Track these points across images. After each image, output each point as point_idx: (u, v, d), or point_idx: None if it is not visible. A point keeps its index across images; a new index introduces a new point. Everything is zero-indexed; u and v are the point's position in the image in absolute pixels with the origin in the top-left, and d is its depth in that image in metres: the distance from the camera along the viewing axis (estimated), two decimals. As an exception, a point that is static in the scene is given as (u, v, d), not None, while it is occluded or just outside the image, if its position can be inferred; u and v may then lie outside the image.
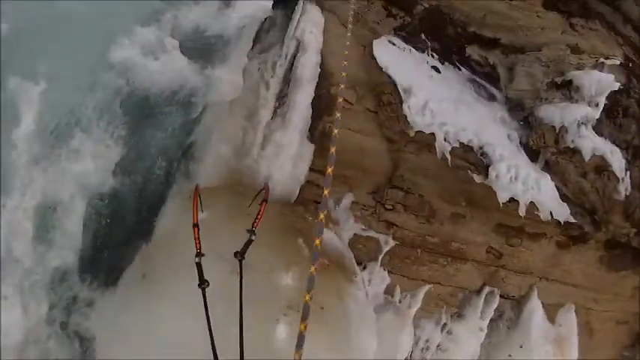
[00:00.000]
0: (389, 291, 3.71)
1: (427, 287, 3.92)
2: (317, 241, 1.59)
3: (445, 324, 4.13)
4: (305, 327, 1.38)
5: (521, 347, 4.18)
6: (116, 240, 2.63)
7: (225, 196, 2.92)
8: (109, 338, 2.44)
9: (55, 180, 2.43)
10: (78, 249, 2.46)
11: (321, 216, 1.63)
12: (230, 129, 3.16)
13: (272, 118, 3.32)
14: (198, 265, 2.06)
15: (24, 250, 2.32)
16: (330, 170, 1.76)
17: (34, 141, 2.33)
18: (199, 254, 2.12)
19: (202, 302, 1.87)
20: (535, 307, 4.25)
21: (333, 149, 1.84)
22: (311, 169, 3.40)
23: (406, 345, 3.77)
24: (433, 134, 3.72)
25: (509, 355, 4.20)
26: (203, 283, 1.96)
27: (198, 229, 2.28)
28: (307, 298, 1.44)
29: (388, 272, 3.65)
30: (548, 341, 4.26)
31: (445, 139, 3.80)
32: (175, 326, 2.34)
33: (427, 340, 4.02)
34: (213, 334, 1.72)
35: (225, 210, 2.82)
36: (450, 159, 3.73)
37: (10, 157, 2.27)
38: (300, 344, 1.36)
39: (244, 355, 1.71)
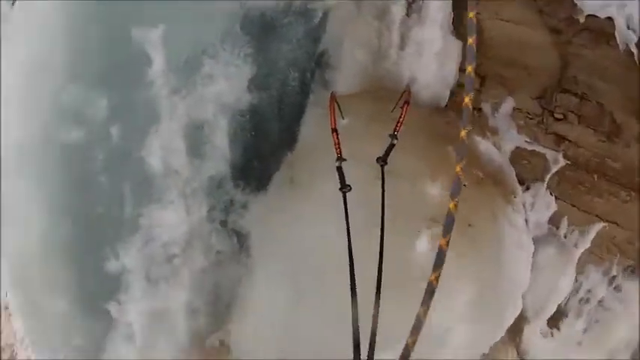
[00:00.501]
0: (554, 221, 3.02)
1: (601, 225, 3.00)
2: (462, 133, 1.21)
3: (614, 277, 3.23)
4: (447, 243, 1.16)
5: None
6: (262, 150, 2.77)
7: (366, 103, 2.78)
8: (261, 235, 2.68)
9: (195, 104, 2.59)
10: (229, 160, 2.66)
11: (463, 132, 1.26)
12: (361, 32, 2.87)
13: (406, 14, 2.86)
14: (339, 170, 2.01)
15: (181, 164, 2.59)
16: (470, 69, 1.28)
17: (168, 76, 2.49)
18: (340, 159, 2.08)
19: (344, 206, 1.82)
20: None
21: (471, 40, 1.27)
22: (461, 70, 2.90)
23: (564, 289, 3.13)
24: (611, 19, 2.61)
25: None
26: (344, 187, 1.91)
27: (338, 134, 2.23)
28: (452, 206, 1.17)
29: (555, 198, 2.94)
30: None
31: (628, 26, 2.63)
32: (319, 228, 2.41)
33: (589, 291, 3.24)
34: (352, 240, 1.65)
35: (366, 116, 2.69)
36: (637, 54, 2.60)
37: (153, 91, 2.49)
38: (438, 263, 1.18)
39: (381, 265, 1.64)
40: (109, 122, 2.46)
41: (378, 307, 1.52)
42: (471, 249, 2.42)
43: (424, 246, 2.32)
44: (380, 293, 1.54)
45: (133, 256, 2.58)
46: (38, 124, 2.50)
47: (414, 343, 1.19)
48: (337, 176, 1.97)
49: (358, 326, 1.42)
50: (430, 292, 1.20)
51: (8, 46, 2.48)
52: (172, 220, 2.59)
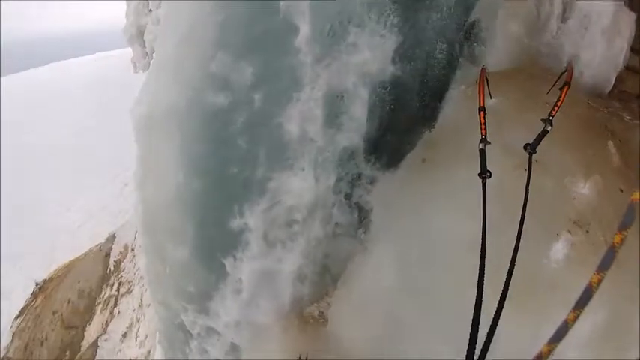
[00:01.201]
0: None
1: None
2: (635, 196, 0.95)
3: None
4: (599, 281, 0.92)
5: None
6: (400, 125, 2.69)
7: (518, 81, 2.55)
8: (384, 213, 2.65)
9: (338, 72, 2.56)
10: (364, 132, 2.62)
11: (637, 195, 1.00)
12: (519, 1, 2.53)
13: (572, -21, 2.49)
14: (482, 152, 1.86)
15: (316, 132, 2.62)
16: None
17: (313, 44, 2.46)
18: (484, 141, 1.92)
19: (480, 195, 1.69)
20: None
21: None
22: (632, 50, 2.54)
23: None
24: None
25: None
26: (485, 172, 1.77)
27: (485, 114, 2.05)
28: (617, 239, 0.90)
29: None
30: None
31: None
32: (448, 214, 2.30)
33: None
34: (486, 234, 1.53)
35: (517, 97, 2.46)
36: None
37: (298, 59, 2.49)
38: (582, 302, 0.98)
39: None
40: (252, 88, 2.53)
41: (501, 310, 1.42)
42: (616, 268, 2.20)
43: (560, 252, 2.12)
44: (505, 296, 1.45)
45: (256, 217, 2.69)
46: (187, 90, 2.64)
47: (549, 352, 1.04)
48: (477, 161, 1.83)
49: (478, 328, 1.34)
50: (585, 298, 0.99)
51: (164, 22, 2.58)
52: (300, 187, 2.66)
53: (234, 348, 3.20)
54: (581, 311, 0.98)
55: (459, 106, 2.58)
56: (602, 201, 2.19)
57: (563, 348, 2.29)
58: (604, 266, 0.93)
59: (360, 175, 2.73)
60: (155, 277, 3.41)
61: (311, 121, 2.59)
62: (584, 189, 2.23)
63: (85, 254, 8.86)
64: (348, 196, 2.74)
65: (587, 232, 2.13)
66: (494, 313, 1.38)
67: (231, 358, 3.24)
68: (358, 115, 2.59)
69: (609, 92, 2.63)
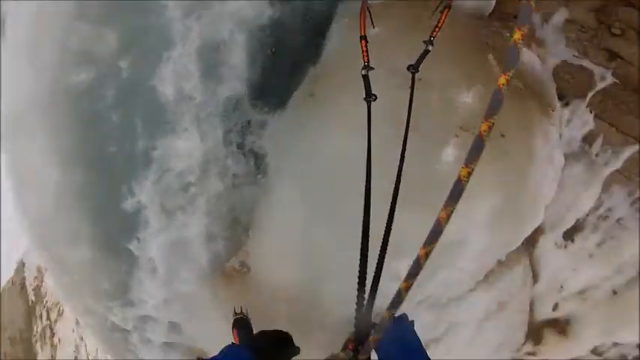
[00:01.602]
0: (588, 139, 2.92)
1: (636, 148, 2.93)
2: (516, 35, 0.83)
3: (638, 198, 3.21)
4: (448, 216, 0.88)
5: None
6: (283, 66, 2.60)
7: (401, 9, 2.55)
8: (279, 154, 2.61)
9: (211, 23, 2.41)
10: (246, 80, 2.52)
11: (517, 34, 0.94)
12: None
13: None
14: (365, 78, 1.85)
15: (194, 88, 2.47)
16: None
17: None
18: (367, 67, 1.90)
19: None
20: None
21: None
22: None
23: (586, 205, 3.14)
24: None
25: None
26: (369, 96, 1.76)
27: (367, 42, 2.02)
28: (485, 127, 0.85)
29: (594, 116, 2.79)
30: None
31: None
32: (341, 142, 2.33)
33: (610, 209, 3.26)
34: (372, 154, 1.55)
35: (400, 24, 2.48)
36: None
37: (165, 16, 2.32)
38: (432, 237, 0.92)
39: (402, 174, 1.58)
40: (118, 56, 2.36)
41: (392, 218, 1.48)
42: (500, 159, 2.37)
43: (451, 155, 2.25)
44: (395, 204, 1.51)
45: (148, 191, 2.57)
46: (47, 72, 2.43)
47: (426, 255, 0.98)
48: (363, 87, 1.80)
49: (368, 240, 1.38)
50: (416, 267, 0.96)
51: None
52: (187, 148, 2.55)
53: (173, 326, 3.13)
54: (453, 208, 0.90)
55: (342, 39, 2.52)
56: (485, 106, 2.32)
57: (467, 236, 2.50)
58: (472, 158, 0.84)
59: (249, 122, 2.63)
60: (67, 290, 3.23)
61: (186, 78, 2.44)
62: (467, 98, 2.34)
63: (-2, 296, 7.64)
64: (240, 146, 2.66)
65: (473, 133, 2.27)
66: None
67: (177, 341, 3.22)
68: (238, 63, 2.47)
69: (490, 14, 2.68)
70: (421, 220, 2.45)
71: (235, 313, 2.67)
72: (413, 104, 1.78)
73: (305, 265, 2.58)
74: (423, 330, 2.85)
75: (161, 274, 2.79)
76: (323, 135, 2.38)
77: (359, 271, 1.23)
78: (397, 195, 1.50)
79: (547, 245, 3.10)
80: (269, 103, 2.59)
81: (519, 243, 2.77)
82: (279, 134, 2.57)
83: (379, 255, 1.32)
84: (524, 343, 3.21)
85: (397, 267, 2.50)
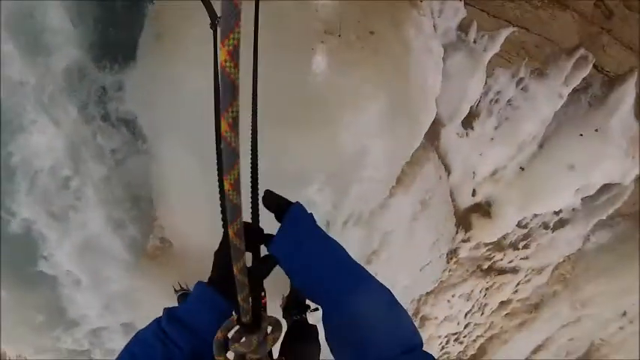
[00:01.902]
0: (463, 28, 3.04)
1: (510, 30, 3.14)
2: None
3: (522, 79, 3.50)
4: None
5: (596, 131, 3.66)
6: (116, 12, 2.27)
7: None
8: (149, 112, 2.35)
9: None
10: (79, 40, 2.16)
11: None
12: None
13: None
14: (205, 1, 1.66)
15: (20, 70, 2.09)
16: None
17: None
18: None
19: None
20: (627, 93, 3.49)
21: None
22: None
23: (475, 92, 3.31)
24: None
25: (581, 135, 3.70)
26: (214, 20, 1.54)
27: None
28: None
29: (465, 4, 2.89)
30: (625, 136, 3.68)
31: None
32: (201, 79, 2.17)
33: (498, 92, 3.50)
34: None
35: None
36: None
37: None
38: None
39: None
40: None
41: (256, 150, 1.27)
42: (375, 58, 2.32)
43: (321, 63, 2.15)
44: (256, 124, 1.35)
45: (26, 204, 2.25)
46: None
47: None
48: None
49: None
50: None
51: None
52: (45, 141, 2.20)
53: (126, 326, 2.89)
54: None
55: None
56: (345, 4, 2.26)
57: (364, 146, 2.34)
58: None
59: (103, 88, 2.30)
60: (5, 340, 2.82)
61: (6, 61, 2.04)
62: (324, -1, 2.24)
63: None
64: (105, 117, 2.34)
65: (339, 36, 2.20)
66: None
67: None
68: (61, 23, 2.10)
69: None
70: (311, 138, 2.39)
71: (176, 290, 2.52)
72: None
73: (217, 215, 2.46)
74: (358, 247, 2.84)
75: (86, 281, 2.55)
76: (182, 77, 2.14)
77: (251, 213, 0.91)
78: (256, 128, 1.23)
79: (450, 137, 3.23)
80: (116, 59, 2.27)
81: (420, 140, 2.81)
82: (139, 91, 2.29)
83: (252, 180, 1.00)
84: (457, 233, 3.37)
85: (307, 194, 2.46)
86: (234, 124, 0.48)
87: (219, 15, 1.46)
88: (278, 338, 0.81)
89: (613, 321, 5.76)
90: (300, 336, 1.98)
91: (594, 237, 5.10)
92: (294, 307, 2.20)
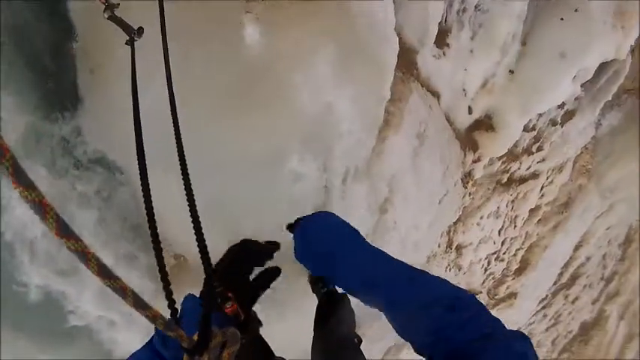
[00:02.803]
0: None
1: None
2: None
3: None
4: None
5: (576, 11, 3.46)
6: (47, 65, 2.15)
7: None
8: (111, 144, 2.28)
9: None
10: (23, 107, 2.07)
11: None
12: None
13: None
14: (113, 19, 1.58)
15: None
16: None
17: None
18: (107, 8, 1.61)
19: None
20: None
21: None
22: None
23: (437, 7, 3.02)
24: None
25: (562, 19, 3.48)
26: (130, 34, 1.52)
27: None
28: None
29: None
30: (607, 10, 3.47)
31: None
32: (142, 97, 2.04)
33: (463, 1, 3.22)
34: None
35: None
36: None
37: None
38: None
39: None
40: None
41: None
42: (309, 9, 2.11)
43: (253, 34, 1.97)
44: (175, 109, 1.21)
45: (33, 272, 2.28)
46: None
47: None
48: (114, 29, 1.56)
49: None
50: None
51: None
52: (28, 210, 2.06)
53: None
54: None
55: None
56: None
57: (328, 101, 2.18)
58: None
59: (64, 139, 2.22)
60: None
61: None
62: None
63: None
64: (77, 165, 2.29)
65: (266, 2, 2.00)
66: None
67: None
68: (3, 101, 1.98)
69: None
70: (270, 112, 2.21)
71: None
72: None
73: (222, 223, 2.35)
74: (367, 201, 2.71)
75: (120, 320, 2.58)
76: (127, 100, 2.03)
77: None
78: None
79: (427, 61, 3.01)
80: (64, 107, 2.18)
81: (390, 76, 2.59)
82: (97, 127, 2.22)
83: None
84: (465, 156, 3.19)
85: (291, 169, 2.32)
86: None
87: (135, 28, 1.28)
88: (234, 352, 0.73)
89: (645, 200, 5.58)
90: (332, 308, 1.89)
91: (605, 120, 4.87)
92: (320, 279, 2.13)
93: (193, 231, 0.86)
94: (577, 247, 4.60)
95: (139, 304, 0.50)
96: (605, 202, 5.04)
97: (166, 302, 0.72)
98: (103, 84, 2.11)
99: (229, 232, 2.44)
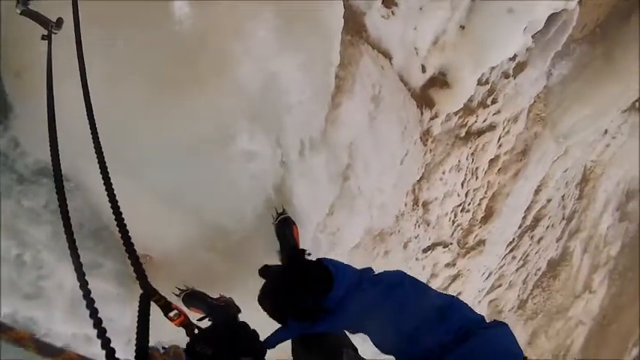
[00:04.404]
0: None
1: None
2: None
3: None
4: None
5: None
6: None
7: None
8: (44, 143, 2.08)
9: None
10: None
11: None
12: None
13: None
14: (27, 13, 1.44)
15: None
16: None
17: None
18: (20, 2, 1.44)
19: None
20: None
21: None
22: None
23: None
24: None
25: None
26: (48, 27, 1.39)
27: None
28: None
29: None
30: None
31: None
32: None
33: None
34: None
35: None
36: None
37: None
38: None
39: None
40: None
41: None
42: None
43: (182, 6, 1.77)
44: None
45: None
46: None
47: None
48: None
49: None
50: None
51: None
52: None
53: (152, 347, 2.81)
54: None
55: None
56: None
57: (275, 73, 1.99)
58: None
59: (2, 154, 2.00)
60: None
61: None
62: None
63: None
64: (20, 180, 2.08)
65: None
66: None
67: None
68: None
69: None
70: (209, 89, 2.04)
71: (177, 295, 2.34)
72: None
73: (180, 211, 2.24)
74: (328, 170, 2.62)
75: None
76: (58, 101, 1.84)
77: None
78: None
79: (376, 22, 2.88)
80: None
81: (337, 40, 2.42)
82: (34, 135, 1.97)
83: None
84: (422, 114, 3.14)
85: (242, 149, 2.17)
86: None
87: (53, 20, 1.14)
88: None
89: (597, 142, 5.75)
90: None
91: (556, 70, 4.89)
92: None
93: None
94: (537, 191, 4.73)
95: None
96: (561, 146, 5.16)
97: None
98: (32, 87, 1.88)
99: (194, 218, 2.32)
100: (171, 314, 0.80)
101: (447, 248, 3.81)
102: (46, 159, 1.97)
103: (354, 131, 2.67)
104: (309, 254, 2.05)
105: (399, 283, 0.92)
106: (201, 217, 2.29)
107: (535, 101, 4.70)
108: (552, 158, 4.96)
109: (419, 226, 3.46)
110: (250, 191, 2.36)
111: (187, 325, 0.85)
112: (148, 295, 0.76)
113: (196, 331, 0.92)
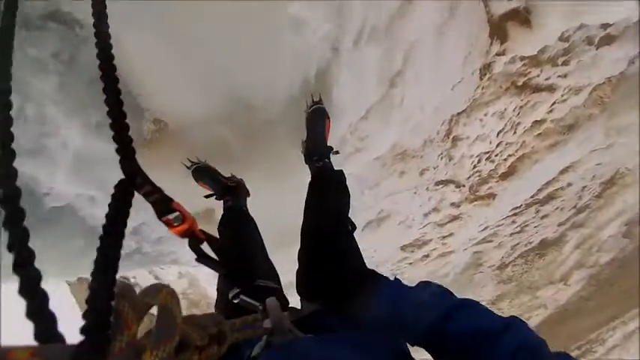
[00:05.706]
0: None
1: None
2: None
3: None
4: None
5: None
6: None
7: None
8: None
9: None
10: None
11: None
12: None
13: None
14: None
15: None
16: None
17: None
18: None
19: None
20: None
21: None
22: None
23: None
24: None
25: None
26: None
27: None
28: None
29: None
30: None
31: None
32: None
33: None
34: None
35: None
36: None
37: None
38: None
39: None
40: None
41: None
42: None
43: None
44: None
45: None
46: None
47: None
48: None
49: None
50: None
51: None
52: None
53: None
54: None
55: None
56: None
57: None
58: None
59: None
60: None
61: None
62: None
63: None
64: (27, 25, 1.76)
65: None
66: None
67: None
68: None
69: None
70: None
71: (188, 167, 2.27)
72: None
73: (206, 77, 2.05)
74: (378, 68, 2.52)
75: (98, 195, 2.34)
76: None
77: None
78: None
79: None
80: None
81: None
82: None
83: None
84: (492, 44, 2.91)
85: (292, 12, 1.95)
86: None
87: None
88: (215, 353, 0.51)
89: (642, 153, 5.30)
90: (325, 182, 1.80)
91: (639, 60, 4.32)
92: (314, 152, 1.95)
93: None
94: (563, 171, 4.57)
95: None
96: (608, 139, 4.82)
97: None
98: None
99: (220, 87, 2.10)
100: (171, 217, 0.48)
101: (458, 189, 3.85)
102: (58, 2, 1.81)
103: (419, 34, 2.52)
104: (337, 152, 2.02)
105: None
106: (229, 87, 2.09)
107: (604, 82, 4.26)
108: (594, 147, 4.67)
109: (441, 159, 3.46)
110: (289, 69, 2.11)
111: (192, 235, 0.54)
112: (131, 182, 0.45)
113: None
